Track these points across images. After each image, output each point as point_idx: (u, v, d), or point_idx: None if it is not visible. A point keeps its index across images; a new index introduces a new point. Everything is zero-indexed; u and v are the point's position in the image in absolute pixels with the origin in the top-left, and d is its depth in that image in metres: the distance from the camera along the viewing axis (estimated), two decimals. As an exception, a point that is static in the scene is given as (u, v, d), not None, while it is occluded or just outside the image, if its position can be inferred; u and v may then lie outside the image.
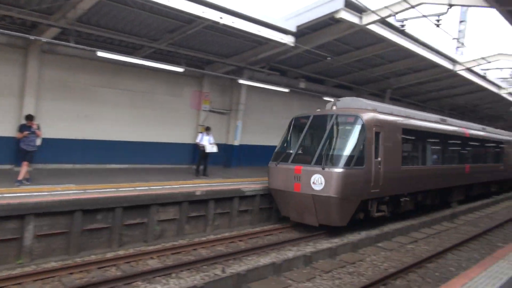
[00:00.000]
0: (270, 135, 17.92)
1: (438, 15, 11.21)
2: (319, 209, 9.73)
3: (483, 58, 18.00)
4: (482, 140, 18.23)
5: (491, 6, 10.18)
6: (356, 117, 10.08)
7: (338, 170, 9.46)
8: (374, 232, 11.26)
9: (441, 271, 8.38)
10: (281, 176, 10.42)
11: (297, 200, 10.11)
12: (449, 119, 16.34)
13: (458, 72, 18.49)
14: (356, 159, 9.70)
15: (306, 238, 10.04)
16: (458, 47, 33.44)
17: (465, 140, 16.41)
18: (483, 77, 21.42)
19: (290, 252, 8.91)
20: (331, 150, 9.92)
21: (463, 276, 5.35)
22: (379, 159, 10.41)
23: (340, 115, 10.35)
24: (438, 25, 11.17)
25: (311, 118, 10.83)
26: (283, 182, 10.34)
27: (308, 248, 9.38)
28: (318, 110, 11.54)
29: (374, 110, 11.03)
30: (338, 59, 15.90)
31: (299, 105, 18.94)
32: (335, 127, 10.18)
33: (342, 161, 9.60)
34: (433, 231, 11.98)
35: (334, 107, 11.21)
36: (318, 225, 10.05)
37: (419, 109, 26.24)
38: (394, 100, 23.54)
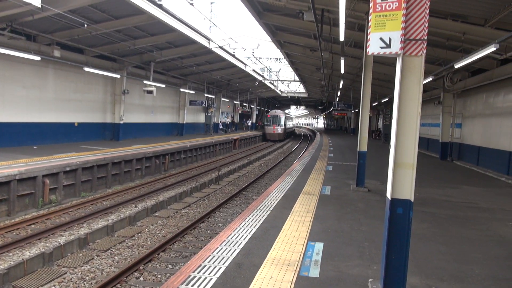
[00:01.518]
0: (22, 111, 15.24)
1: (191, -6, 12.02)
2: (278, 136, 41.22)
3: (231, 38, 20.56)
4: (288, 117, 53.65)
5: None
6: (284, 114, 43.99)
7: (283, 127, 41.49)
8: (150, 202, 11.54)
9: (212, 228, 9.46)
10: (269, 129, 40.95)
11: (273, 134, 40.99)
12: (286, 112, 66.16)
13: (212, 49, 20.44)
14: (284, 124, 42.25)
15: (78, 220, 9.32)
16: (210, 26, 36.94)
17: (287, 117, 48.12)
18: (233, 55, 24.53)
19: (61, 238, 8.11)
20: (281, 123, 41.11)
21: (228, 229, 6.03)
22: (286, 124, 43.65)
23: (280, 114, 41.99)
24: (191, 3, 11.97)
25: (272, 115, 41.74)
26: (270, 130, 40.97)
27: (82, 230, 8.76)
28: (271, 112, 44.94)
29: (284, 113, 45.15)
30: (97, 27, 14.80)
31: (56, 76, 16.75)
32: (279, 117, 41.27)
33: (283, 125, 41.36)
34: (203, 194, 13.28)
35: (276, 112, 42.85)
36: (278, 139, 41.40)
37: (181, 82, 27.89)
38: (158, 73, 24.05)
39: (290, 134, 53.15)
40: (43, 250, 7.20)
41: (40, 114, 16.15)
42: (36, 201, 10.46)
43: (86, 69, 16.64)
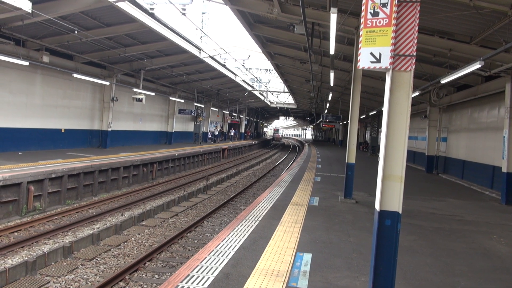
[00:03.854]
0: (8, 116, 14.99)
1: (183, 4, 12.06)
2: (279, 139, 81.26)
3: (222, 48, 20.63)
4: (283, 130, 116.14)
5: (225, 4, 11.74)
6: (282, 128, 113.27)
7: (281, 135, 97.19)
8: (137, 211, 11.42)
9: (199, 238, 9.39)
10: (275, 136, 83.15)
11: (277, 138, 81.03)
12: (275, 121, 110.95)
13: (203, 59, 20.50)
14: (281, 134, 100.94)
15: (63, 228, 9.15)
16: (201, 36, 37.07)
17: (283, 130, 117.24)
18: (223, 65, 24.62)
19: (45, 246, 7.95)
20: (280, 133, 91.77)
21: (216, 239, 6.02)
22: (282, 134, 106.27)
23: (280, 129, 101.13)
24: (184, 14, 12.02)
25: (277, 129, 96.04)
26: (275, 135, 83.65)
27: (67, 238, 8.61)
28: (276, 127, 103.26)
29: (281, 128, 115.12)
30: (87, 34, 14.75)
31: (44, 82, 16.57)
32: (279, 130, 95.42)
33: (281, 134, 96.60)
34: (191, 204, 13.19)
35: (278, 127, 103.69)
36: (278, 141, 79.28)
37: (171, 90, 27.85)
38: (148, 81, 23.98)
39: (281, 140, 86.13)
40: (26, 258, 7.05)
41: (27, 119, 15.92)
42: (20, 208, 10.25)
43: (75, 75, 16.51)
